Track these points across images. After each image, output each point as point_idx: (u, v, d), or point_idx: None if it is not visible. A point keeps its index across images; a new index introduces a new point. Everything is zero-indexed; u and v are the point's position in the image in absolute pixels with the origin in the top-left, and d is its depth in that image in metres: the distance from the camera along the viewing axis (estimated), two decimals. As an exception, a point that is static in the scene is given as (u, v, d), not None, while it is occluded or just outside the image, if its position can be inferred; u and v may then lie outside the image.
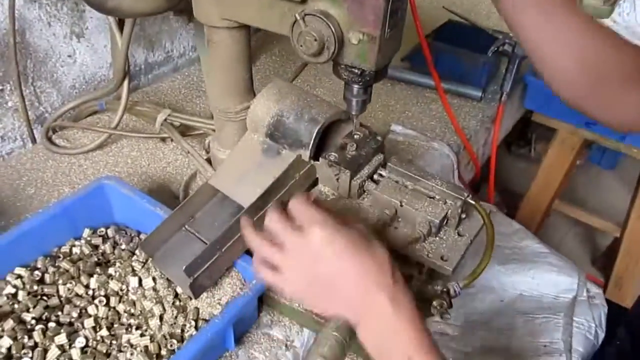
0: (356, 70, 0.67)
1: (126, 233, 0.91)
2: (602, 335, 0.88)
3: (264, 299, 0.82)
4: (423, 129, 1.22)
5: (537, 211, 1.67)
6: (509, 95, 1.32)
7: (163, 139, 1.17)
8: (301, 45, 0.65)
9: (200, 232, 0.83)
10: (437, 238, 0.74)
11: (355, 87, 0.71)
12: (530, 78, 1.41)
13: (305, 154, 0.79)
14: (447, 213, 0.73)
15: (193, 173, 1.06)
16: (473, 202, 0.72)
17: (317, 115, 0.78)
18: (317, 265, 0.59)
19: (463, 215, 0.74)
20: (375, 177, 0.80)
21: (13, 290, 0.79)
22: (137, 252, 0.87)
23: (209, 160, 0.99)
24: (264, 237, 0.64)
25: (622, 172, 2.56)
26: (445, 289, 0.67)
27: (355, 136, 0.82)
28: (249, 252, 0.79)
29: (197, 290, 0.74)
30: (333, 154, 0.78)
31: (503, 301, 0.91)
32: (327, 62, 0.66)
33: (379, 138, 0.81)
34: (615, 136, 1.37)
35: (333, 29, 0.63)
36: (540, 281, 0.96)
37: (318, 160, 0.80)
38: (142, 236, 0.90)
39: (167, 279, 0.80)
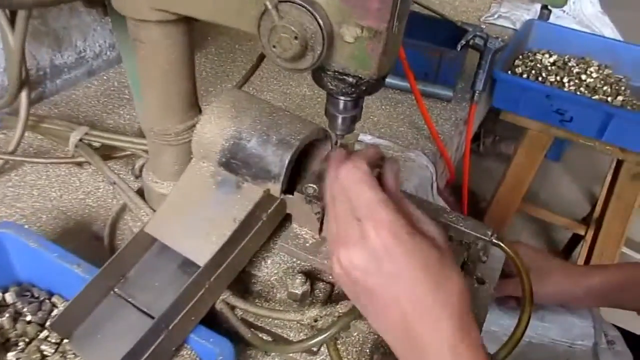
0: (349, 79, 0.49)
1: (33, 296, 0.69)
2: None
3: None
4: (394, 137, 1.06)
5: (506, 214, 1.57)
6: (480, 93, 1.18)
7: (79, 163, 0.93)
8: (274, 47, 0.46)
9: (136, 297, 0.62)
10: (454, 290, 0.57)
11: (343, 100, 0.53)
12: (500, 74, 1.28)
13: (276, 188, 0.60)
14: (465, 258, 0.57)
15: (121, 207, 0.83)
16: (501, 244, 0.56)
17: (289, 137, 0.59)
18: (371, 277, 0.46)
19: (484, 258, 0.58)
20: (366, 212, 0.62)
21: None
22: (48, 324, 0.65)
23: (140, 192, 0.77)
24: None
25: (568, 163, 2.55)
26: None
27: (336, 159, 0.64)
28: (203, 322, 0.60)
29: (137, 388, 0.54)
30: (311, 185, 0.60)
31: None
32: (310, 68, 0.47)
33: (367, 161, 0.63)
34: (591, 134, 1.28)
35: (320, 22, 0.44)
36: (550, 324, 0.82)
37: (291, 193, 0.61)
38: (55, 299, 0.68)
39: (93, 367, 0.59)
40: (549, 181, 2.44)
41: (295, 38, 0.44)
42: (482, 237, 0.56)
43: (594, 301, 0.83)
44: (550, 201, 2.30)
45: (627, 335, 0.86)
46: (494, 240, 0.56)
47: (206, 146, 0.62)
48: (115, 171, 0.84)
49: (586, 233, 1.68)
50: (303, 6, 0.44)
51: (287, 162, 0.58)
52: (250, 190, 0.61)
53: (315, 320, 0.57)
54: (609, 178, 1.62)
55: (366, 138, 1.00)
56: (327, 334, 0.52)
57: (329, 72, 0.49)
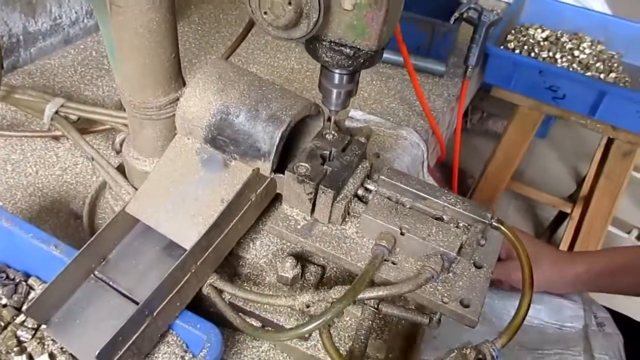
0: (347, 50, 0.45)
1: (8, 278, 0.65)
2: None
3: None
4: (384, 113, 1.03)
5: (495, 192, 1.56)
6: (473, 68, 1.15)
7: (56, 137, 0.88)
8: (265, 13, 0.42)
9: (117, 280, 0.58)
10: (450, 274, 0.55)
11: (339, 73, 0.49)
12: (493, 49, 1.25)
13: (265, 167, 0.57)
14: (463, 241, 0.54)
15: (101, 184, 0.79)
16: (501, 227, 0.54)
17: (280, 112, 0.56)
18: None
19: (482, 242, 0.56)
20: (360, 192, 0.59)
21: None
22: (25, 309, 0.61)
23: (121, 169, 0.73)
24: None
25: (554, 140, 2.55)
26: (480, 356, 0.49)
27: (328, 137, 0.60)
28: (190, 307, 0.57)
29: (118, 377, 0.51)
30: (303, 164, 0.56)
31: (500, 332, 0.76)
32: (305, 37, 0.43)
33: (361, 139, 0.60)
34: (584, 111, 1.26)
35: (317, -13, 0.40)
36: (540, 306, 0.82)
37: (281, 172, 0.58)
38: (32, 281, 0.65)
39: (72, 354, 0.56)
40: (534, 158, 2.44)
41: (289, 3, 0.41)
42: (482, 219, 0.54)
43: (579, 288, 0.84)
44: (536, 178, 2.30)
45: (616, 316, 0.85)
46: (494, 223, 0.54)
47: (191, 121, 0.58)
48: (95, 146, 0.80)
49: (572, 211, 1.68)
50: (298, -31, 0.40)
51: (277, 139, 0.55)
52: (239, 168, 0.57)
53: (307, 306, 0.55)
54: (598, 156, 1.61)
55: (357, 114, 0.97)
56: (320, 320, 0.49)
57: (324, 43, 0.46)
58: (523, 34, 1.44)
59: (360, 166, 0.59)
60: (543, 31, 1.45)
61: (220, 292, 0.59)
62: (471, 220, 0.55)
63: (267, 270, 0.62)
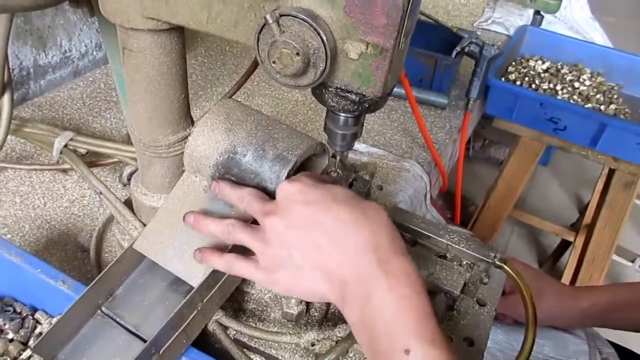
0: (352, 96, 0.47)
1: (15, 312, 0.66)
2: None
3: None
4: (388, 145, 1.04)
5: (497, 221, 1.57)
6: (475, 101, 1.17)
7: (64, 170, 0.90)
8: (274, 62, 0.43)
9: (124, 316, 0.59)
10: (454, 312, 0.56)
11: (344, 116, 0.51)
12: (495, 81, 1.27)
13: (271, 205, 0.57)
14: (466, 279, 0.55)
15: (108, 217, 0.81)
16: (504, 267, 0.55)
17: (286, 152, 0.57)
18: (299, 247, 0.49)
19: (486, 280, 0.57)
20: (365, 230, 0.60)
21: None
22: (31, 343, 0.62)
23: (128, 202, 0.74)
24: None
25: (556, 167, 2.56)
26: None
27: (333, 174, 0.62)
28: (195, 344, 0.57)
29: (124, 416, 0.51)
30: (308, 202, 0.57)
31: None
32: (312, 85, 0.45)
33: (365, 177, 0.61)
34: (585, 143, 1.28)
35: (324, 38, 0.42)
36: (544, 341, 0.81)
37: (287, 210, 0.58)
38: (38, 315, 0.65)
39: (78, 390, 0.56)
40: (536, 185, 2.45)
41: (297, 54, 0.42)
42: (485, 259, 0.55)
43: (584, 323, 0.83)
44: (538, 205, 2.31)
45: (621, 350, 0.85)
46: (497, 262, 0.55)
47: (199, 160, 0.59)
48: (102, 178, 0.82)
49: (575, 239, 1.69)
50: (305, 21, 0.42)
51: (284, 178, 0.56)
52: (245, 206, 0.58)
53: (313, 345, 0.55)
54: (600, 186, 1.62)
55: (360, 147, 0.98)
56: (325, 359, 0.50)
57: (330, 89, 0.47)
58: (524, 65, 1.46)
59: (364, 204, 0.60)
60: (543, 62, 1.47)
61: (225, 328, 0.59)
62: (474, 259, 0.56)
63: (271, 306, 0.63)
